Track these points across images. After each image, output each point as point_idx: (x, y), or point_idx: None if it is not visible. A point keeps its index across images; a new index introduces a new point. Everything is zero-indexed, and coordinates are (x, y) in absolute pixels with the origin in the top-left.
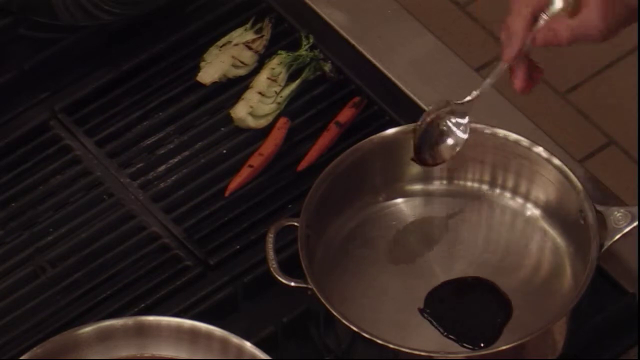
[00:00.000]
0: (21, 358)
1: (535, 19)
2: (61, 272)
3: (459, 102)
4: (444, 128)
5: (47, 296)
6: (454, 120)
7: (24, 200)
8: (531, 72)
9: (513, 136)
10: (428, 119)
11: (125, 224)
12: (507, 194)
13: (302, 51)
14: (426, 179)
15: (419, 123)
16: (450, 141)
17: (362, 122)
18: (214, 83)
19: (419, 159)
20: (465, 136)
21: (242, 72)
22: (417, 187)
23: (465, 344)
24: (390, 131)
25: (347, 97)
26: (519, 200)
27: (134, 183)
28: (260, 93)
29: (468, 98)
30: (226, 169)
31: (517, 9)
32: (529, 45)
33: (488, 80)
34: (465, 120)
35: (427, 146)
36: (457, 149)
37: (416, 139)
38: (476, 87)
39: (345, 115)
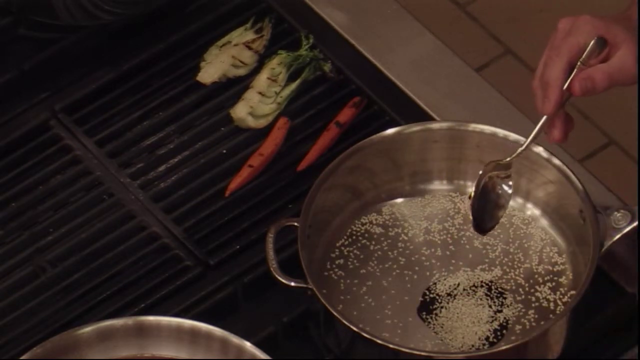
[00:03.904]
0: (21, 358)
1: (571, 68)
2: (61, 272)
3: (504, 160)
4: (499, 191)
5: (47, 296)
6: (501, 178)
7: (24, 200)
8: (566, 122)
9: (513, 136)
10: (482, 186)
11: (125, 224)
12: None
13: (302, 51)
14: (426, 179)
15: (473, 193)
16: (503, 200)
17: (362, 122)
18: (214, 83)
19: (480, 229)
20: (510, 191)
21: (242, 72)
22: (417, 187)
23: (464, 344)
24: (390, 131)
25: (347, 97)
26: (519, 200)
27: (134, 183)
28: (260, 93)
29: (513, 155)
30: (226, 169)
31: (553, 60)
32: (567, 96)
33: (531, 136)
34: (510, 177)
35: (487, 213)
36: (508, 205)
37: (473, 209)
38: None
39: (345, 115)
